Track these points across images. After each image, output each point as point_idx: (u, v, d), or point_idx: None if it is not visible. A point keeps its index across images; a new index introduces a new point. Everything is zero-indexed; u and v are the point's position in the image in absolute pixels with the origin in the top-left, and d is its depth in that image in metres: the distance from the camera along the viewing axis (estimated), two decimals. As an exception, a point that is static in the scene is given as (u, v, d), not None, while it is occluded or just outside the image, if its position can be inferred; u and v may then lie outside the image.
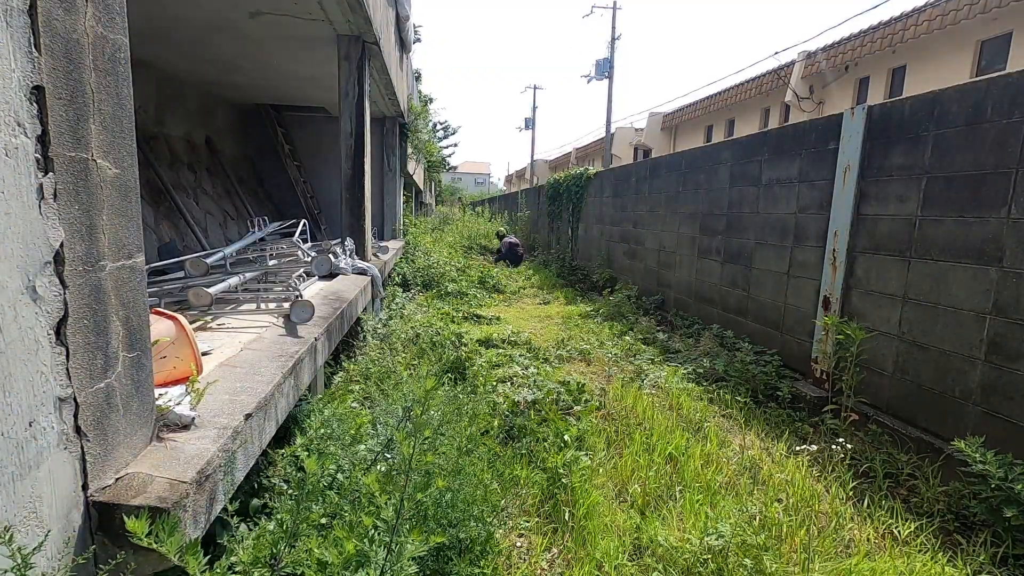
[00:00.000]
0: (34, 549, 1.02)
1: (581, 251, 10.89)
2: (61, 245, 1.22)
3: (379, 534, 1.50)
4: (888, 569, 2.27)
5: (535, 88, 36.38)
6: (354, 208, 5.61)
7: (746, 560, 2.13)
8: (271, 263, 4.55)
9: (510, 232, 14.57)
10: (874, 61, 12.56)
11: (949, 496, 2.80)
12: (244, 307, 3.52)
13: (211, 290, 3.21)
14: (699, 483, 2.88)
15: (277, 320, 3.17)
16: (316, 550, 1.44)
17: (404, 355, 4.46)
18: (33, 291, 1.15)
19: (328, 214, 9.99)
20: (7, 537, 0.95)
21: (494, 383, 4.01)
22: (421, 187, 21.09)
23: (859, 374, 3.72)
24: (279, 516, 1.74)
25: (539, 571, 2.28)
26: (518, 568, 2.25)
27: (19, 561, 0.96)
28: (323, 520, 1.79)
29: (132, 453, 1.48)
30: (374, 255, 6.59)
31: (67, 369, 1.24)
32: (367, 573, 1.42)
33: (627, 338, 5.81)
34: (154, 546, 1.13)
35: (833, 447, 2.99)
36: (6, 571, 0.98)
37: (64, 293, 1.23)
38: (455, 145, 39.12)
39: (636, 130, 23.79)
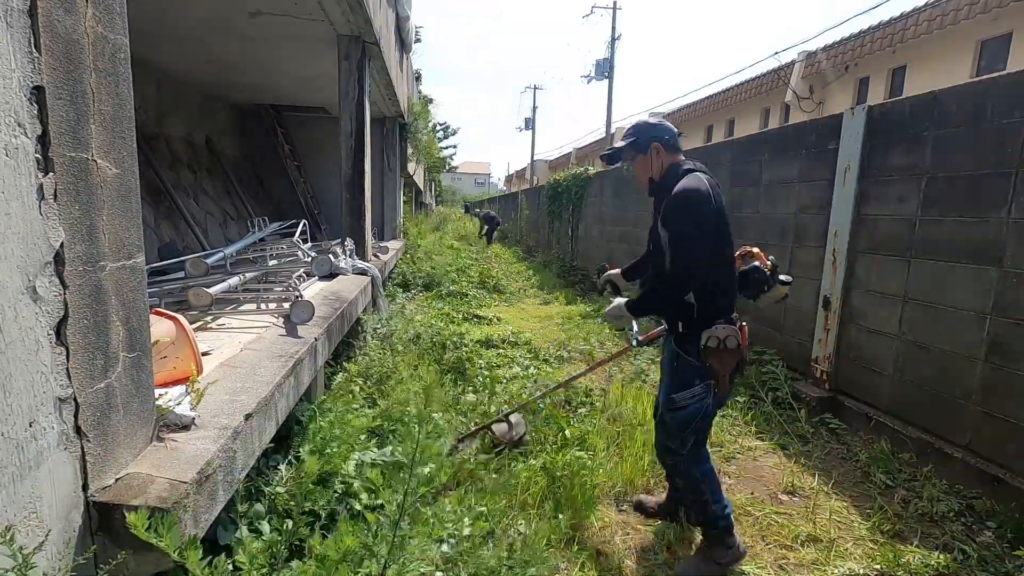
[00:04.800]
0: (35, 549, 1.02)
1: (581, 251, 10.88)
2: (61, 245, 1.22)
3: (381, 530, 1.50)
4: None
5: (535, 88, 36.43)
6: (354, 208, 5.61)
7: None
8: (271, 263, 4.55)
9: (488, 210, 19.03)
10: (874, 61, 12.56)
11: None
12: (244, 307, 3.52)
13: (211, 290, 3.21)
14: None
15: (277, 320, 3.17)
16: (317, 547, 1.44)
17: (405, 355, 4.45)
18: (33, 291, 1.15)
19: (328, 214, 9.98)
20: (8, 537, 0.95)
21: (493, 384, 4.00)
22: (421, 187, 21.18)
23: (859, 374, 3.72)
24: (280, 511, 1.74)
25: (539, 571, 2.27)
26: (518, 568, 2.25)
27: (20, 561, 0.96)
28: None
29: (132, 453, 1.48)
30: (374, 255, 6.59)
31: (67, 369, 1.24)
32: (369, 568, 1.42)
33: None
34: (153, 540, 1.13)
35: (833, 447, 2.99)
36: (7, 571, 0.97)
37: (64, 293, 1.23)
38: (455, 146, 39.16)
39: (636, 130, 23.71)
